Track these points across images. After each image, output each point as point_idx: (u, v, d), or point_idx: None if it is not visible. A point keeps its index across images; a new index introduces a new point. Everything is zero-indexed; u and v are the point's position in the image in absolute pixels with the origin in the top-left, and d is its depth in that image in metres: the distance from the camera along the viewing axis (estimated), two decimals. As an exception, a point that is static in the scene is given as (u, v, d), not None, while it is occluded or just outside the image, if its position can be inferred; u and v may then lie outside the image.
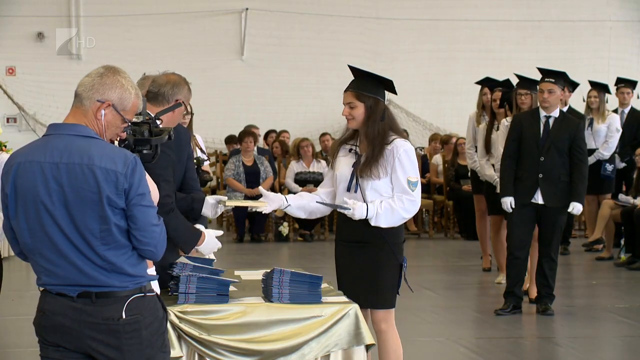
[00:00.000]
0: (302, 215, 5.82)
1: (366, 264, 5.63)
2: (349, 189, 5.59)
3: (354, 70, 5.75)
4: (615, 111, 13.08)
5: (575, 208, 8.78)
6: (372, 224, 5.52)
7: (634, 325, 8.91)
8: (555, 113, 8.90)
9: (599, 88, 12.71)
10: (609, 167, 12.45)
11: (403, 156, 5.55)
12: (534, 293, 9.36)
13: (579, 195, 8.79)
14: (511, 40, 18.58)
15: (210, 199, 5.63)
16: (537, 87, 9.05)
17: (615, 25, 18.89)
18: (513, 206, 8.85)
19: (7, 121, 17.73)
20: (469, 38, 18.52)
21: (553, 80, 8.86)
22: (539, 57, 18.15)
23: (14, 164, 3.89)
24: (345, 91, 5.71)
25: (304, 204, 5.76)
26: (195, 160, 8.49)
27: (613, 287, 11.06)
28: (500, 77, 11.29)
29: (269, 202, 5.65)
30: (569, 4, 18.86)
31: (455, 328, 8.64)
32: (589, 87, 12.88)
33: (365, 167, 5.54)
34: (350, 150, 5.69)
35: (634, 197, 12.54)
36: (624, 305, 9.77)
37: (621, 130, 12.48)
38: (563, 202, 8.81)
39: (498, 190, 9.56)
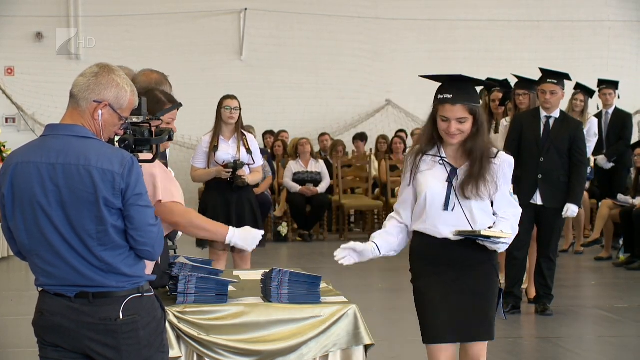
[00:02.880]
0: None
1: (473, 290, 4.89)
2: (446, 208, 4.83)
3: (455, 78, 4.94)
4: (600, 113, 13.05)
5: (570, 210, 8.75)
6: (501, 250, 4.86)
7: (634, 325, 8.91)
8: (556, 114, 8.88)
9: (585, 92, 12.66)
10: (587, 170, 12.44)
11: (507, 170, 4.92)
12: (532, 293, 9.35)
13: (575, 197, 8.76)
14: (510, 40, 18.57)
15: None
16: (538, 87, 8.96)
17: (614, 26, 18.89)
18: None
19: (6, 121, 17.72)
20: (468, 38, 18.51)
21: (555, 82, 8.81)
22: (538, 57, 18.15)
23: (11, 165, 3.89)
24: (454, 103, 4.82)
25: (394, 245, 5.07)
26: (232, 163, 8.51)
27: (612, 287, 11.06)
28: (500, 77, 11.30)
29: (359, 256, 4.96)
30: (568, 4, 18.85)
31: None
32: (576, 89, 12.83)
33: (471, 185, 4.80)
34: (439, 162, 4.87)
35: (633, 198, 12.54)
36: (623, 305, 9.77)
37: (598, 134, 12.42)
38: (562, 202, 8.77)
39: None
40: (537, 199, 8.80)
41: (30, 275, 10.21)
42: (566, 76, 8.95)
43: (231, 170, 8.47)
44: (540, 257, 9.01)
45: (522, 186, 8.77)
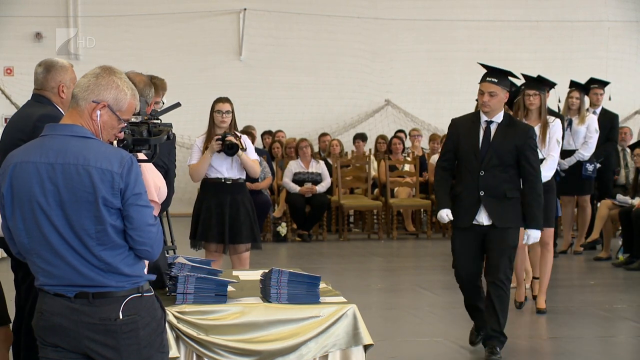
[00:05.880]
0: None
1: None
2: None
3: None
4: (587, 112, 13.00)
5: (531, 237, 7.34)
6: None
7: (634, 325, 8.91)
8: (498, 118, 7.36)
9: (580, 89, 12.61)
10: (590, 167, 12.39)
11: None
12: (542, 303, 9.19)
13: (534, 219, 7.30)
14: (509, 41, 18.58)
15: None
16: (479, 87, 7.49)
17: (613, 26, 18.90)
18: (450, 217, 7.36)
19: (5, 121, 17.71)
20: (467, 38, 18.52)
21: (495, 81, 7.34)
22: (537, 57, 18.17)
23: (10, 165, 3.90)
24: None
25: None
26: (221, 134, 8.47)
27: (611, 287, 11.06)
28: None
29: None
30: (567, 4, 18.86)
31: (453, 328, 8.64)
32: (568, 87, 12.80)
33: None
34: None
35: (632, 198, 12.54)
36: (622, 306, 9.77)
37: (599, 131, 12.37)
38: (512, 221, 7.30)
39: None
40: (483, 219, 7.30)
41: (29, 275, 10.18)
42: (509, 73, 7.50)
43: (221, 138, 8.42)
44: (488, 284, 7.45)
45: (461, 205, 7.36)
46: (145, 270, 4.13)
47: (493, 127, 7.35)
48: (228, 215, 8.44)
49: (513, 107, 9.99)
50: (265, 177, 14.46)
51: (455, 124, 7.54)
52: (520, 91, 9.50)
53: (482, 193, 7.26)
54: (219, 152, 8.44)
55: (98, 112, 3.91)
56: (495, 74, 7.38)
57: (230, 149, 8.40)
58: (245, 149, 8.50)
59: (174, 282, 5.13)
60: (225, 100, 8.66)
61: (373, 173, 15.97)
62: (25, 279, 5.62)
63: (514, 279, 10.30)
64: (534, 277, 9.63)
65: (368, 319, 5.37)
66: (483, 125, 7.36)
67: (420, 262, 13.22)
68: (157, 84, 7.01)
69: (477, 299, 7.56)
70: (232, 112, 8.65)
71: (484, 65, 7.56)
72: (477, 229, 7.30)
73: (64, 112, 5.44)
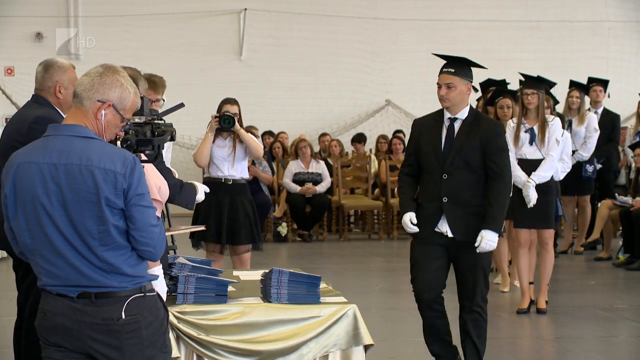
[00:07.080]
0: None
1: None
2: None
3: None
4: (588, 111, 13.03)
5: (485, 239, 6.26)
6: None
7: (634, 325, 8.92)
8: (462, 114, 6.46)
9: (581, 88, 12.57)
10: (590, 168, 12.38)
11: None
12: (542, 303, 9.20)
13: (492, 220, 6.29)
14: (509, 41, 18.58)
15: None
16: (438, 79, 6.55)
17: (614, 26, 18.90)
18: (414, 221, 6.41)
19: (6, 121, 17.70)
20: (467, 38, 18.52)
21: (452, 71, 6.43)
22: (537, 57, 18.17)
23: (13, 165, 3.90)
24: None
25: None
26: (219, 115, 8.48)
27: (611, 287, 11.07)
28: (499, 78, 11.30)
29: None
30: (567, 4, 18.87)
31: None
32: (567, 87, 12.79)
33: None
34: None
35: (633, 198, 12.54)
36: (622, 306, 9.78)
37: (599, 130, 12.35)
38: (477, 234, 6.32)
39: None
40: (444, 228, 6.42)
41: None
42: (468, 63, 6.52)
43: (219, 115, 8.40)
44: (462, 311, 6.54)
45: (422, 213, 6.45)
46: (161, 272, 4.14)
47: (457, 125, 6.45)
48: (226, 216, 8.41)
49: (495, 105, 10.02)
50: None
51: (417, 124, 6.67)
52: (519, 90, 9.53)
53: (445, 199, 6.36)
54: (218, 129, 8.41)
55: (103, 112, 3.91)
56: (452, 64, 6.48)
57: (228, 123, 8.35)
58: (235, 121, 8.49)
59: (175, 282, 5.13)
60: (234, 102, 8.59)
61: (374, 169, 15.97)
62: (24, 278, 5.62)
63: (512, 280, 10.41)
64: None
65: (368, 319, 5.37)
66: (446, 123, 6.46)
67: (421, 262, 13.21)
68: (156, 82, 7.00)
69: (440, 323, 6.60)
70: (239, 113, 8.61)
71: (439, 55, 6.72)
72: (441, 238, 6.41)
73: (62, 113, 5.44)
